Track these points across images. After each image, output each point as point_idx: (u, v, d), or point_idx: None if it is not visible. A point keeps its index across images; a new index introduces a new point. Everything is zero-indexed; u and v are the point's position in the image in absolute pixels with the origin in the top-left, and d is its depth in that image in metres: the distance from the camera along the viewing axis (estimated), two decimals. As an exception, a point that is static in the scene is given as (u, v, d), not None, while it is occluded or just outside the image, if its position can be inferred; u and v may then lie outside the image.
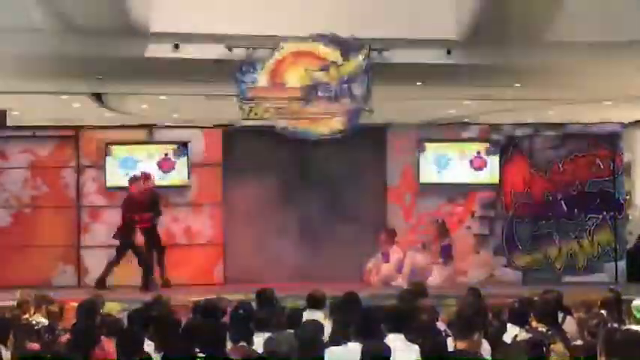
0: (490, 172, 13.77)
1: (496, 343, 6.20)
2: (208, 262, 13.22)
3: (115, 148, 13.39)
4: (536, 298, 7.83)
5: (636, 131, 14.33)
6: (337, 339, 6.31)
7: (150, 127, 13.71)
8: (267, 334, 6.16)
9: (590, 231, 13.96)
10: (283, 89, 11.22)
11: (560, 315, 7.52)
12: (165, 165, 13.38)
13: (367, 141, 13.34)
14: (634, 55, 10.81)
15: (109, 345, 6.01)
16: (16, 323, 7.04)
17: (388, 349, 5.47)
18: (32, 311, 8.03)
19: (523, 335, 6.42)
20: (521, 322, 6.84)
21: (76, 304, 7.92)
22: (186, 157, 13.43)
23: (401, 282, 12.26)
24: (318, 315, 7.39)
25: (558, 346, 5.59)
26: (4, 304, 9.04)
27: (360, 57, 11.05)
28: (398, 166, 13.85)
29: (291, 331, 6.33)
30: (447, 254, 12.86)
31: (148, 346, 6.05)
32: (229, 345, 6.09)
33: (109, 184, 13.15)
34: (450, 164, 13.75)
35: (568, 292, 9.01)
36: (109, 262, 12.29)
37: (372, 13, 10.63)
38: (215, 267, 13.44)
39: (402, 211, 13.78)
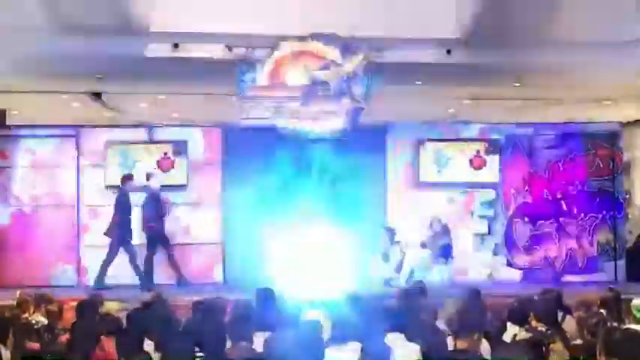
0: (490, 172, 13.77)
1: (496, 342, 6.20)
2: (208, 262, 13.22)
3: (114, 148, 13.40)
4: (535, 298, 7.84)
5: (636, 130, 14.33)
6: (337, 339, 6.31)
7: (149, 127, 13.71)
8: (267, 334, 6.17)
9: (589, 230, 13.97)
10: (283, 88, 11.22)
11: (560, 314, 7.53)
12: (164, 164, 13.38)
13: (367, 140, 13.34)
14: (634, 54, 10.80)
15: (108, 344, 6.01)
16: (15, 322, 7.04)
17: (388, 349, 5.47)
18: (32, 310, 8.02)
19: (523, 334, 6.42)
20: (521, 321, 6.84)
21: (75, 304, 7.93)
22: (185, 157, 13.44)
23: (401, 281, 12.26)
24: (317, 315, 7.38)
25: (558, 346, 5.59)
26: (4, 303, 9.03)
27: (360, 56, 11.05)
28: (398, 165, 13.86)
29: (291, 330, 6.33)
30: (447, 254, 12.86)
31: (148, 345, 6.05)
32: (229, 344, 6.09)
33: (108, 183, 13.15)
34: (450, 163, 13.76)
35: (568, 292, 9.02)
36: (103, 262, 12.30)
37: (371, 13, 10.62)
38: (214, 266, 13.44)
39: (402, 210, 13.79)
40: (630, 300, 7.62)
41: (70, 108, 12.92)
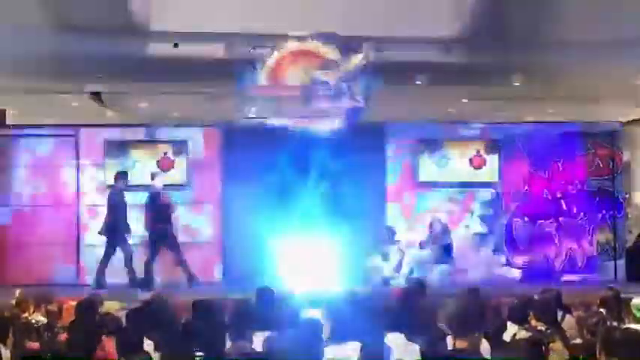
0: (489, 171, 13.78)
1: (495, 341, 6.20)
2: (207, 261, 13.22)
3: (114, 147, 13.40)
4: (535, 297, 7.84)
5: (635, 130, 14.33)
6: (336, 338, 6.31)
7: (149, 126, 13.71)
8: (266, 333, 6.17)
9: (589, 230, 13.97)
10: (283, 88, 11.22)
11: (560, 313, 7.53)
12: (164, 164, 13.38)
13: (367, 140, 13.34)
14: (633, 53, 10.80)
15: (108, 344, 6.01)
16: (15, 322, 7.04)
17: (387, 349, 5.47)
18: (31, 310, 8.02)
19: (522, 334, 6.42)
20: (521, 320, 6.84)
21: (75, 303, 7.92)
22: (185, 156, 13.44)
23: (400, 281, 12.26)
24: (317, 314, 7.38)
25: (557, 345, 5.59)
26: (4, 302, 9.03)
27: (360, 56, 11.05)
28: (397, 164, 13.86)
29: (291, 330, 6.33)
30: (447, 253, 12.85)
31: (148, 345, 6.05)
32: (229, 344, 6.09)
33: (108, 182, 13.15)
34: (450, 163, 13.76)
35: (567, 291, 9.02)
36: (100, 261, 12.30)
37: (371, 12, 10.61)
38: (214, 266, 13.44)
39: (401, 210, 13.79)
40: (630, 299, 7.62)
41: (69, 107, 12.92)
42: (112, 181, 13.02)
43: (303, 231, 13.71)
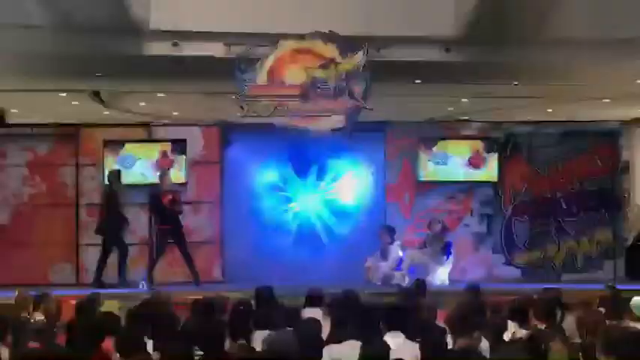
0: (489, 170, 13.78)
1: (495, 340, 6.20)
2: (207, 260, 13.21)
3: (113, 146, 13.39)
4: (535, 296, 7.84)
5: (635, 129, 14.33)
6: (336, 337, 6.31)
7: (148, 125, 13.71)
8: (266, 332, 6.16)
9: (589, 229, 13.98)
10: (282, 87, 11.21)
11: (559, 313, 7.53)
12: (163, 163, 13.37)
13: (366, 139, 13.34)
14: (633, 52, 10.80)
15: (107, 343, 6.00)
16: (14, 321, 7.03)
17: (387, 347, 5.46)
18: (31, 309, 8.02)
19: (522, 333, 6.42)
20: (521, 319, 6.84)
21: (74, 302, 7.92)
22: (184, 155, 13.44)
23: (400, 280, 12.26)
24: (316, 313, 7.38)
25: (557, 344, 5.58)
26: (3, 302, 9.03)
27: (359, 55, 11.04)
28: (397, 163, 13.86)
29: (290, 329, 6.33)
30: (446, 252, 12.85)
31: (147, 344, 6.04)
32: (228, 343, 6.09)
33: (107, 181, 13.14)
34: (449, 162, 13.76)
35: (567, 290, 9.03)
36: (98, 261, 12.31)
37: (370, 11, 10.62)
38: (214, 265, 13.44)
39: (400, 209, 13.79)
40: (629, 299, 7.62)
41: (69, 106, 12.91)
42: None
43: (302, 230, 13.74)
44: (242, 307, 7.16)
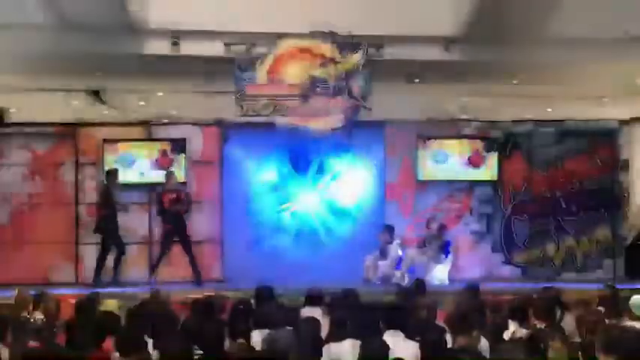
0: (488, 169, 13.78)
1: (494, 340, 6.20)
2: (207, 259, 13.21)
3: (112, 146, 13.39)
4: (534, 295, 7.84)
5: (635, 128, 14.32)
6: (335, 336, 6.31)
7: (148, 124, 13.71)
8: (265, 331, 6.17)
9: (588, 228, 13.98)
10: (282, 86, 11.21)
11: (559, 312, 7.54)
12: (163, 162, 13.37)
13: (365, 138, 13.34)
14: (633, 51, 10.80)
15: (107, 343, 6.01)
16: (14, 321, 7.03)
17: (386, 346, 5.47)
18: (30, 308, 8.02)
19: (522, 332, 6.42)
20: (520, 318, 6.84)
21: (74, 302, 7.92)
22: (184, 154, 13.43)
23: (400, 279, 12.26)
24: (316, 312, 7.39)
25: (556, 343, 5.59)
26: (3, 301, 9.03)
27: (359, 54, 11.04)
28: (396, 162, 13.86)
29: (290, 328, 6.33)
30: (445, 251, 12.85)
31: (147, 343, 6.04)
32: (228, 342, 6.09)
33: (105, 180, 13.13)
34: (449, 161, 13.76)
35: (566, 289, 9.03)
36: (97, 260, 12.31)
37: (370, 10, 10.61)
38: (213, 264, 13.44)
39: (400, 208, 13.79)
40: (629, 298, 7.62)
41: (68, 106, 12.89)
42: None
43: (302, 229, 13.73)
44: (241, 307, 7.17)
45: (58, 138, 13.61)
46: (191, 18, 10.41)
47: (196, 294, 9.35)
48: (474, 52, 10.93)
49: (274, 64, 11.17)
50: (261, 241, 13.57)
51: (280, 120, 11.36)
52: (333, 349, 6.06)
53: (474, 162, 13.78)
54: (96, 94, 12.92)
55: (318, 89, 11.21)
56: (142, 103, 12.97)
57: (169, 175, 12.61)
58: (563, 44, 10.70)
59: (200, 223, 13.30)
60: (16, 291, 8.57)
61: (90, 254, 12.97)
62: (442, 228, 12.97)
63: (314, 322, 6.62)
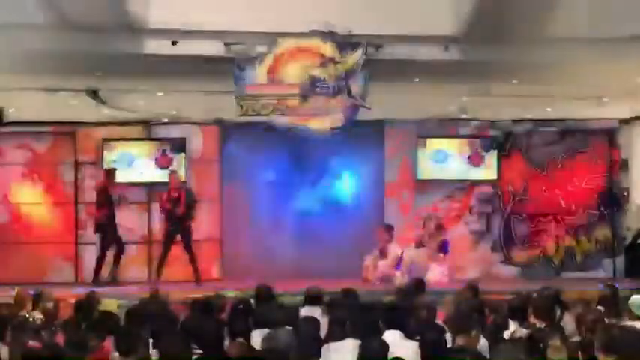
0: (488, 169, 13.79)
1: (494, 339, 6.20)
2: (206, 259, 13.20)
3: (112, 145, 13.39)
4: (534, 295, 7.84)
5: (634, 127, 14.32)
6: (334, 335, 6.31)
7: (147, 124, 13.70)
8: (265, 331, 6.17)
9: (587, 227, 13.99)
10: (281, 86, 11.21)
11: (558, 311, 7.54)
12: (162, 161, 13.37)
13: (365, 137, 13.34)
14: (632, 51, 10.80)
15: (106, 342, 6.01)
16: (13, 320, 7.03)
17: (386, 346, 5.46)
18: (30, 308, 8.02)
19: (521, 331, 6.42)
20: (520, 318, 6.84)
21: (73, 301, 7.92)
22: (183, 154, 13.44)
23: (401, 279, 12.25)
24: (315, 311, 7.39)
25: (555, 342, 5.59)
26: (2, 300, 9.03)
27: (358, 53, 11.04)
28: (396, 162, 13.87)
29: (289, 327, 6.33)
30: (442, 250, 12.85)
31: (146, 343, 6.04)
32: (227, 341, 6.09)
33: (103, 179, 13.12)
34: (448, 160, 13.77)
35: (566, 289, 9.03)
36: (97, 259, 12.31)
37: (370, 10, 10.61)
38: (213, 263, 13.44)
39: (399, 207, 13.80)
40: (628, 297, 7.62)
41: (68, 105, 12.89)
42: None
43: (301, 228, 13.73)
44: (241, 306, 7.17)
45: (57, 137, 13.62)
46: (191, 18, 10.40)
47: (196, 293, 9.34)
48: (473, 51, 10.93)
49: (274, 63, 11.17)
50: (261, 240, 13.56)
51: (280, 119, 11.36)
52: (332, 349, 6.06)
53: (474, 161, 13.79)
54: (95, 94, 12.92)
55: (317, 89, 11.21)
56: (142, 102, 12.97)
57: (172, 174, 12.61)
58: (562, 44, 10.70)
59: (200, 223, 13.28)
60: (16, 290, 8.57)
61: (89, 254, 12.98)
62: (439, 227, 12.96)
63: (313, 322, 6.62)
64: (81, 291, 9.60)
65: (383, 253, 12.78)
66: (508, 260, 13.91)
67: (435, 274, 12.48)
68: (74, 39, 10.26)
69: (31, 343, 6.36)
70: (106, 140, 13.39)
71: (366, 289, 10.29)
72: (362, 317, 6.38)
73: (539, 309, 6.93)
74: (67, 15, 9.95)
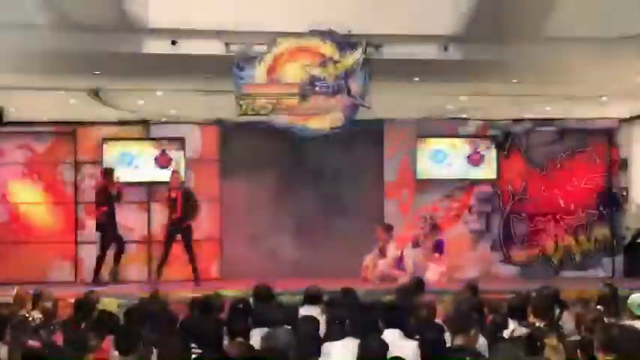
0: (487, 168, 13.80)
1: (493, 338, 6.21)
2: (206, 258, 13.21)
3: (111, 145, 13.40)
4: (533, 294, 7.85)
5: (633, 127, 14.34)
6: (334, 334, 6.32)
7: (147, 123, 13.71)
8: (264, 330, 6.17)
9: (587, 226, 14.00)
10: (280, 85, 11.20)
11: (558, 310, 7.54)
12: (162, 161, 13.38)
13: (364, 137, 13.35)
14: (631, 50, 10.80)
15: (106, 341, 6.01)
16: (12, 319, 7.03)
17: (385, 345, 5.47)
18: (29, 307, 8.02)
19: (521, 331, 6.43)
20: (519, 317, 6.85)
21: (72, 300, 7.92)
22: (183, 153, 13.44)
23: (404, 278, 12.24)
24: (314, 311, 7.39)
25: (552, 341, 5.60)
26: (2, 300, 9.04)
27: (358, 53, 11.04)
28: (395, 161, 13.88)
29: (288, 326, 6.34)
30: (438, 250, 12.84)
31: (146, 342, 6.04)
32: (226, 341, 6.09)
33: (101, 179, 13.12)
34: (447, 160, 13.78)
35: (565, 288, 9.04)
36: (97, 258, 12.32)
37: (369, 9, 10.61)
38: (212, 263, 13.45)
39: (399, 207, 13.80)
40: (627, 296, 7.63)
41: (67, 105, 12.90)
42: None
43: (301, 228, 13.74)
44: (240, 306, 7.17)
45: (57, 137, 13.63)
46: (190, 17, 10.40)
47: (195, 293, 9.34)
48: (473, 51, 10.93)
49: (273, 63, 11.16)
50: (261, 240, 13.57)
51: (279, 119, 11.36)
52: (331, 348, 6.06)
53: (473, 161, 13.80)
54: (95, 94, 12.92)
55: (317, 88, 11.20)
56: (141, 102, 12.97)
57: (173, 174, 12.61)
58: (561, 43, 10.70)
59: (199, 223, 13.29)
60: (15, 290, 8.57)
61: (89, 253, 12.98)
62: (432, 227, 12.95)
63: (313, 321, 6.63)
64: (81, 290, 9.61)
65: (382, 253, 12.78)
66: (507, 260, 13.92)
67: (433, 274, 12.48)
68: (74, 39, 10.25)
69: (31, 342, 6.36)
70: (106, 140, 13.39)
71: (365, 288, 10.29)
72: (361, 317, 6.38)
73: (538, 308, 6.94)
74: (67, 15, 9.94)
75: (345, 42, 11.06)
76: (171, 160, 13.37)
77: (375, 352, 5.37)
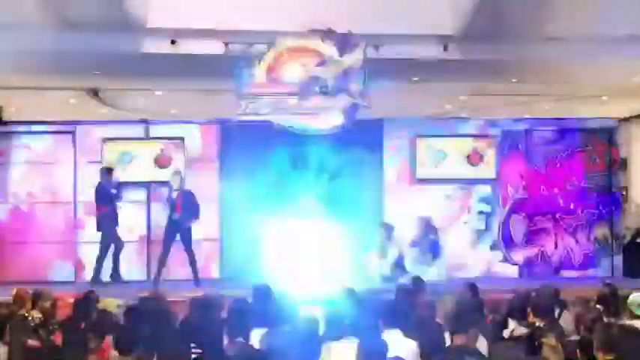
0: (487, 168, 13.79)
1: (493, 337, 6.21)
2: (205, 258, 13.21)
3: (111, 144, 13.39)
4: (533, 294, 7.85)
5: (633, 126, 14.34)
6: (334, 335, 6.32)
7: (146, 123, 13.70)
8: (264, 330, 6.17)
9: (586, 226, 14.00)
10: (280, 85, 11.21)
11: (557, 310, 7.55)
12: (161, 161, 13.37)
13: (364, 136, 13.34)
14: (630, 50, 10.81)
15: (105, 341, 6.01)
16: (12, 319, 7.04)
17: (385, 345, 5.47)
18: (29, 307, 8.02)
19: (521, 330, 6.43)
20: (519, 317, 6.85)
21: (72, 300, 7.92)
22: (183, 153, 13.44)
23: (398, 277, 12.24)
24: (314, 310, 7.39)
25: (550, 340, 5.60)
26: (1, 300, 9.04)
27: (357, 52, 11.04)
28: (395, 161, 13.86)
29: (288, 327, 6.34)
30: (434, 251, 12.82)
31: (145, 342, 6.04)
32: (226, 341, 6.09)
33: (100, 179, 13.11)
34: (447, 159, 13.77)
35: (565, 287, 9.04)
36: (96, 258, 12.32)
37: (369, 9, 10.61)
38: (212, 262, 13.44)
39: (398, 207, 13.79)
40: (627, 296, 7.63)
41: (67, 104, 12.90)
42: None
43: (300, 228, 13.72)
44: (240, 305, 7.16)
45: (56, 137, 13.61)
46: (190, 17, 10.41)
47: (195, 292, 9.34)
48: (472, 50, 10.94)
49: (273, 63, 11.17)
50: (260, 240, 13.55)
51: (279, 119, 11.36)
52: (331, 348, 6.06)
53: (473, 160, 13.79)
54: (95, 93, 12.93)
55: (317, 88, 11.21)
56: (141, 101, 12.97)
57: (174, 174, 12.59)
58: (561, 43, 10.71)
59: (199, 222, 13.28)
60: (15, 289, 8.57)
61: (88, 253, 12.96)
62: (429, 228, 12.93)
63: (312, 321, 6.63)
64: (80, 290, 9.60)
65: (382, 252, 12.76)
66: (507, 259, 13.91)
67: (430, 273, 12.45)
68: (73, 38, 10.26)
69: (30, 342, 6.37)
70: (106, 139, 13.39)
71: (365, 288, 10.28)
72: (361, 316, 6.38)
73: (538, 308, 6.94)
74: (66, 15, 9.95)
75: (345, 42, 11.07)
76: (171, 159, 13.37)
77: (375, 352, 5.37)
